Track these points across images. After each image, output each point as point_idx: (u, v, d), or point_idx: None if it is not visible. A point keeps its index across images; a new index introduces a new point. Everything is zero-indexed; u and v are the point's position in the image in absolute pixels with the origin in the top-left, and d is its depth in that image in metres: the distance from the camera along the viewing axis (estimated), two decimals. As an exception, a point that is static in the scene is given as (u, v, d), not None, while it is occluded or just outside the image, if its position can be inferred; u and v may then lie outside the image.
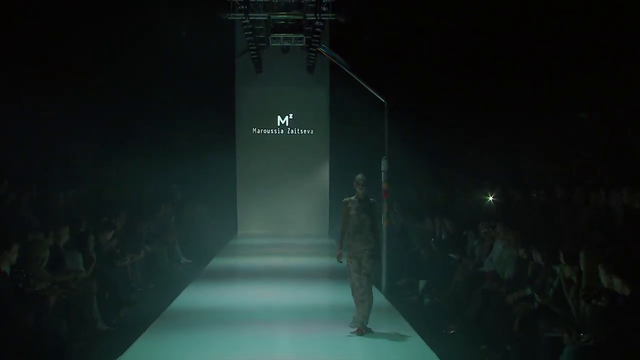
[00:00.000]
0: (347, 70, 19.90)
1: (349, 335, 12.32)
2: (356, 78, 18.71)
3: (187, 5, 24.38)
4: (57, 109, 19.44)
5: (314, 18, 23.93)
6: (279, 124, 31.01)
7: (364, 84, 18.20)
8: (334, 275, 19.67)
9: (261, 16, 24.38)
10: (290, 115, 30.91)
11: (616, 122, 18.35)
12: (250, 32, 25.33)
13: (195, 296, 16.37)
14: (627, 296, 8.72)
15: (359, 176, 12.94)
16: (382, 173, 16.79)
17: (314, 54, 27.20)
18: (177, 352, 11.36)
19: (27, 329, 10.17)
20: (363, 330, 12.48)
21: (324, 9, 23.58)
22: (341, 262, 12.96)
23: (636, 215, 12.12)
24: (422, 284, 15.70)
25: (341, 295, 16.01)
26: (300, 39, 25.16)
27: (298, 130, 31.05)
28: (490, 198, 18.21)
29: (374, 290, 13.22)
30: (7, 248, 10.99)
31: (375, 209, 13.04)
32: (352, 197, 12.85)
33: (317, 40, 24.78)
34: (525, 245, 12.37)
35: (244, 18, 24.09)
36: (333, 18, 24.17)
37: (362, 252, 12.60)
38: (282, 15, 24.32)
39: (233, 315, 14.40)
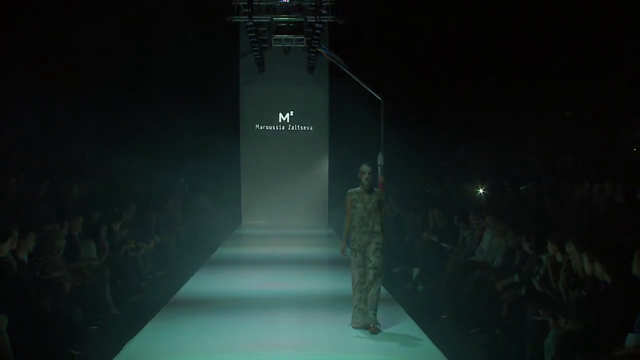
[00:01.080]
0: (345, 70, 19.98)
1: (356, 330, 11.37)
2: (354, 77, 18.79)
3: (193, 8, 24.40)
4: (71, 108, 19.45)
5: (314, 20, 23.98)
6: (280, 121, 31.06)
7: (361, 83, 18.28)
8: (333, 263, 19.83)
9: (264, 18, 24.44)
10: (291, 112, 30.97)
11: (599, 121, 18.39)
12: (254, 34, 25.38)
13: (201, 283, 16.36)
14: (608, 283, 8.77)
15: (364, 166, 11.88)
16: (379, 167, 16.90)
17: (314, 55, 27.24)
18: (185, 336, 11.35)
19: (44, 313, 10.18)
20: (378, 327, 11.39)
21: (324, 11, 23.64)
22: (345, 254, 12.16)
23: (617, 207, 12.15)
24: (416, 271, 15.72)
25: (340, 281, 16.12)
26: (301, 40, 25.20)
27: (299, 126, 31.09)
28: (481, 190, 18.23)
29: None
30: (24, 238, 11.04)
31: (381, 200, 11.92)
32: (357, 188, 11.80)
33: (317, 42, 24.82)
34: (513, 235, 12.41)
35: (247, 20, 24.18)
36: (332, 20, 24.22)
37: (367, 245, 11.61)
38: (284, 18, 24.35)
39: (237, 301, 14.34)
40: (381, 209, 11.87)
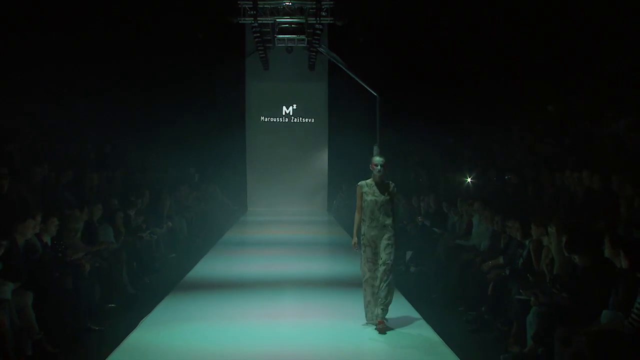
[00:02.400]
0: (343, 68, 20.02)
1: (369, 327, 10.31)
2: (351, 74, 18.84)
3: (203, 11, 24.42)
4: (91, 106, 19.49)
5: (315, 22, 23.99)
6: (283, 114, 31.11)
7: (358, 80, 18.31)
8: (332, 246, 19.99)
9: (268, 20, 24.42)
10: (294, 106, 31.01)
11: (577, 114, 18.39)
12: (259, 34, 25.39)
13: (210, 265, 16.44)
14: (587, 264, 8.80)
15: (377, 158, 10.77)
16: (375, 158, 16.90)
17: (314, 53, 27.25)
18: (196, 313, 11.40)
19: (66, 291, 10.22)
20: (385, 323, 10.27)
21: (324, 13, 23.64)
22: (357, 250, 10.70)
23: (594, 195, 12.17)
24: (409, 254, 15.73)
25: (338, 263, 16.81)
26: (303, 40, 25.17)
27: (300, 119, 31.13)
28: (469, 179, 18.23)
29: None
30: (48, 222, 11.09)
31: (393, 192, 10.65)
32: (368, 180, 10.62)
33: (317, 41, 24.85)
34: (499, 220, 12.43)
35: (253, 22, 24.16)
36: (331, 22, 24.21)
37: (378, 239, 10.43)
38: (286, 19, 24.34)
39: (243, 280, 14.48)
40: (393, 201, 10.67)
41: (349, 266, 15.38)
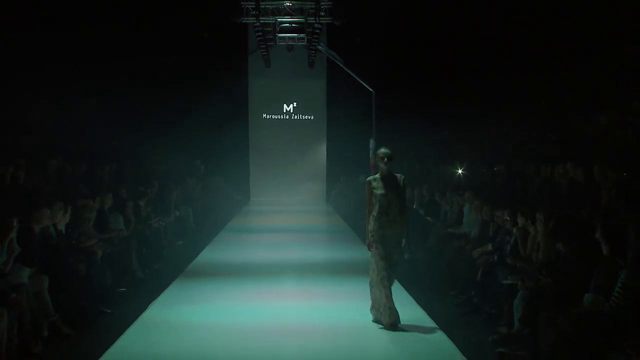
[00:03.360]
0: (341, 65, 20.04)
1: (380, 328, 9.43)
2: (349, 72, 18.85)
3: (208, 11, 24.42)
4: (102, 101, 19.52)
5: (314, 21, 24.05)
6: (284, 111, 31.15)
7: (355, 77, 18.33)
8: (330, 233, 20.08)
9: (270, 20, 24.47)
10: (294, 103, 31.05)
11: (563, 109, 18.44)
12: (260, 33, 25.43)
13: (215, 251, 16.53)
14: (570, 250, 8.85)
15: (382, 150, 9.79)
16: (370, 151, 16.95)
17: (314, 52, 27.29)
18: (201, 296, 11.47)
19: (79, 276, 10.27)
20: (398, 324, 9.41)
21: (323, 13, 23.69)
22: (372, 250, 9.65)
23: (577, 186, 12.22)
24: (402, 241, 15.77)
25: (335, 248, 17.30)
26: (302, 39, 25.19)
27: (300, 115, 31.18)
28: (460, 171, 18.26)
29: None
30: (62, 211, 11.14)
31: (402, 185, 9.73)
32: (376, 175, 9.73)
33: (317, 40, 24.86)
34: (488, 210, 12.46)
35: (255, 21, 24.21)
36: (330, 21, 24.26)
37: (389, 236, 9.58)
38: (287, 19, 24.36)
39: (247, 265, 14.59)
40: (402, 195, 9.74)
41: (346, 252, 16.10)
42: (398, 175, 9.74)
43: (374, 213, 9.57)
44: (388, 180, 9.63)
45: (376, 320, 9.60)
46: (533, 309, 8.34)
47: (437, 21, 23.71)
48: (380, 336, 9.10)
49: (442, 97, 23.96)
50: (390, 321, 9.33)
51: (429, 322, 9.57)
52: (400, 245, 9.68)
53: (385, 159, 9.64)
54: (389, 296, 9.43)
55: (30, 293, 8.74)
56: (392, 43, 25.39)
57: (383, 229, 9.55)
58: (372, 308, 9.72)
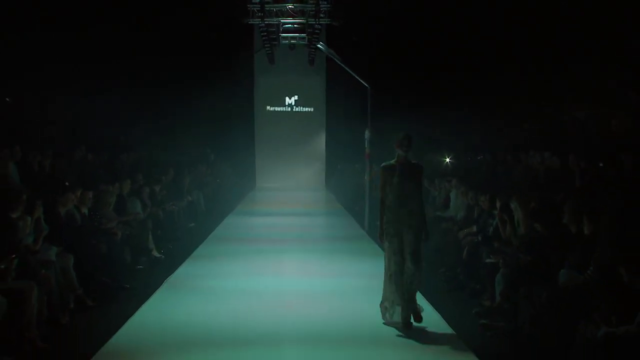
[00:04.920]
0: (339, 62, 19.98)
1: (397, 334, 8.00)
2: (346, 68, 18.80)
3: (217, 14, 24.43)
4: (121, 95, 19.50)
5: (314, 22, 24.05)
6: (287, 103, 31.15)
7: (352, 73, 18.29)
8: (329, 215, 20.18)
9: (273, 21, 24.46)
10: (296, 96, 31.05)
11: (540, 103, 18.46)
12: (265, 34, 25.42)
13: (224, 232, 16.66)
14: (547, 230, 8.91)
15: (402, 134, 8.28)
16: (366, 141, 16.95)
17: (314, 50, 27.27)
18: (213, 270, 11.69)
19: (101, 255, 10.31)
20: (411, 324, 8.10)
21: (322, 15, 23.70)
22: (384, 243, 8.28)
23: (553, 173, 12.26)
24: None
25: (332, 226, 17.95)
26: (304, 38, 25.21)
27: (301, 108, 31.19)
28: (447, 160, 18.29)
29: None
30: (85, 196, 11.20)
31: (420, 174, 8.30)
32: (392, 161, 8.26)
33: (317, 39, 24.86)
34: (473, 195, 12.50)
35: (260, 22, 24.20)
36: (329, 22, 24.26)
37: (405, 229, 8.10)
38: (290, 20, 24.38)
39: (255, 240, 15.06)
40: (420, 185, 8.31)
41: (342, 229, 16.86)
42: (416, 162, 8.28)
43: (389, 203, 8.17)
44: (405, 167, 8.16)
45: (385, 320, 8.32)
46: (513, 285, 8.39)
47: (427, 25, 23.69)
48: (372, 299, 9.23)
49: (432, 92, 23.98)
50: (389, 318, 8.26)
51: (418, 296, 9.62)
52: (419, 240, 8.16)
53: (405, 145, 8.14)
54: (398, 293, 8.12)
55: (58, 269, 8.81)
56: (385, 42, 25.38)
57: (398, 222, 8.11)
58: (382, 304, 8.43)
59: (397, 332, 7.76)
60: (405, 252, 8.07)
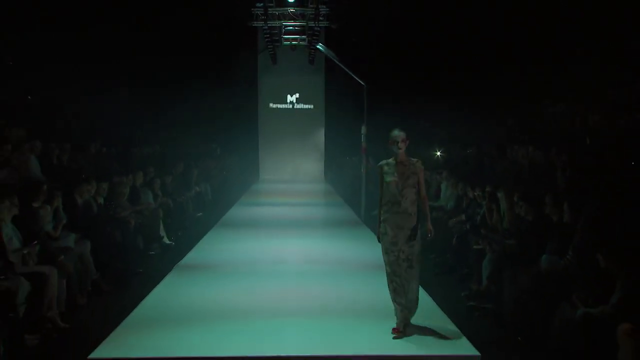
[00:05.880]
0: (337, 62, 20.00)
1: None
2: (344, 67, 18.82)
3: (223, 17, 24.45)
4: (134, 93, 19.52)
5: (314, 25, 24.08)
6: (288, 101, 31.09)
7: (349, 72, 18.31)
8: (327, 206, 20.23)
9: (276, 23, 24.51)
10: (297, 94, 30.99)
11: (524, 100, 18.48)
12: (268, 35, 25.45)
13: (231, 218, 16.92)
14: (529, 219, 8.98)
15: (396, 132, 7.38)
16: (362, 136, 17.00)
17: (313, 51, 27.28)
18: (220, 255, 11.78)
19: (116, 241, 10.40)
20: (401, 330, 7.24)
21: (321, 18, 23.76)
22: (380, 242, 7.36)
23: (536, 166, 12.30)
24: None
25: (330, 214, 18.13)
26: (304, 39, 25.24)
27: (302, 105, 31.13)
28: (438, 153, 18.32)
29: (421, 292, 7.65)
30: (101, 187, 11.26)
31: (418, 172, 7.28)
32: (390, 159, 7.39)
33: (316, 41, 24.88)
34: (462, 186, 12.55)
35: (264, 25, 24.24)
36: (327, 25, 24.31)
37: (399, 230, 7.19)
38: (291, 23, 24.44)
39: (258, 227, 15.24)
40: (417, 184, 7.27)
41: (338, 215, 17.16)
42: (414, 160, 7.37)
43: (384, 202, 7.33)
44: (402, 165, 7.30)
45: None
46: (499, 269, 8.47)
47: (420, 28, 23.70)
48: (367, 277, 9.31)
49: (424, 90, 23.99)
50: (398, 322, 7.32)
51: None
52: (414, 238, 7.22)
53: (399, 142, 7.29)
54: (396, 293, 7.28)
55: (76, 255, 8.89)
56: (381, 44, 25.39)
57: (393, 221, 7.24)
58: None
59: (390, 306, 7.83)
60: (400, 257, 7.21)
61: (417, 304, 7.36)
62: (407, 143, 7.35)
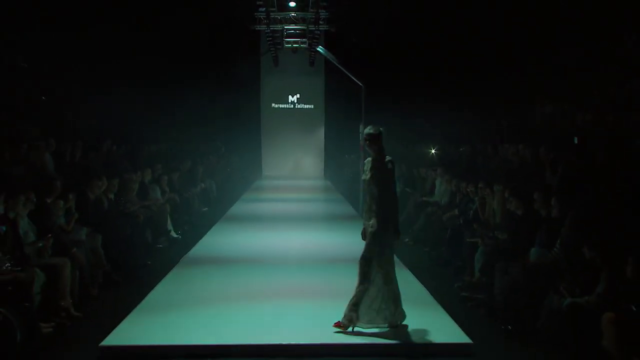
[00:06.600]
0: (336, 64, 20.06)
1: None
2: (343, 69, 18.88)
3: (227, 20, 24.47)
4: (143, 94, 19.50)
5: (314, 28, 24.09)
6: (290, 101, 31.09)
7: (348, 73, 18.37)
8: (327, 201, 20.26)
9: (278, 27, 24.49)
10: (298, 94, 30.98)
11: (515, 99, 18.48)
12: (270, 38, 25.43)
13: (235, 212, 16.92)
14: (520, 214, 9.04)
15: (366, 129, 6.99)
16: (360, 134, 17.05)
17: (314, 53, 27.25)
18: (226, 246, 11.90)
19: (125, 236, 10.44)
20: (344, 324, 6.86)
21: (321, 22, 23.73)
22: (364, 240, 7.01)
23: (526, 163, 12.33)
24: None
25: (330, 209, 18.20)
26: (305, 42, 25.23)
27: (303, 105, 31.11)
28: (433, 151, 18.36)
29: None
30: (111, 183, 11.31)
31: (388, 172, 6.81)
32: (368, 158, 6.96)
33: (316, 44, 24.91)
34: (455, 182, 12.60)
35: (266, 28, 24.24)
36: (327, 28, 24.32)
37: (366, 227, 6.93)
38: (292, 26, 24.43)
39: (261, 221, 15.32)
40: (382, 182, 6.79)
41: (338, 213, 16.94)
42: (388, 160, 6.86)
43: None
44: (371, 163, 6.87)
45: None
46: (490, 262, 8.54)
47: (415, 30, 23.70)
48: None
49: (420, 90, 23.98)
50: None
51: (407, 272, 9.74)
52: (371, 235, 6.88)
53: (368, 141, 6.86)
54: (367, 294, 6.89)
55: (87, 248, 8.96)
56: (378, 45, 25.39)
57: (364, 219, 7.04)
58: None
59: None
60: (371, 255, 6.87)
61: (354, 297, 6.92)
62: (372, 142, 6.83)
